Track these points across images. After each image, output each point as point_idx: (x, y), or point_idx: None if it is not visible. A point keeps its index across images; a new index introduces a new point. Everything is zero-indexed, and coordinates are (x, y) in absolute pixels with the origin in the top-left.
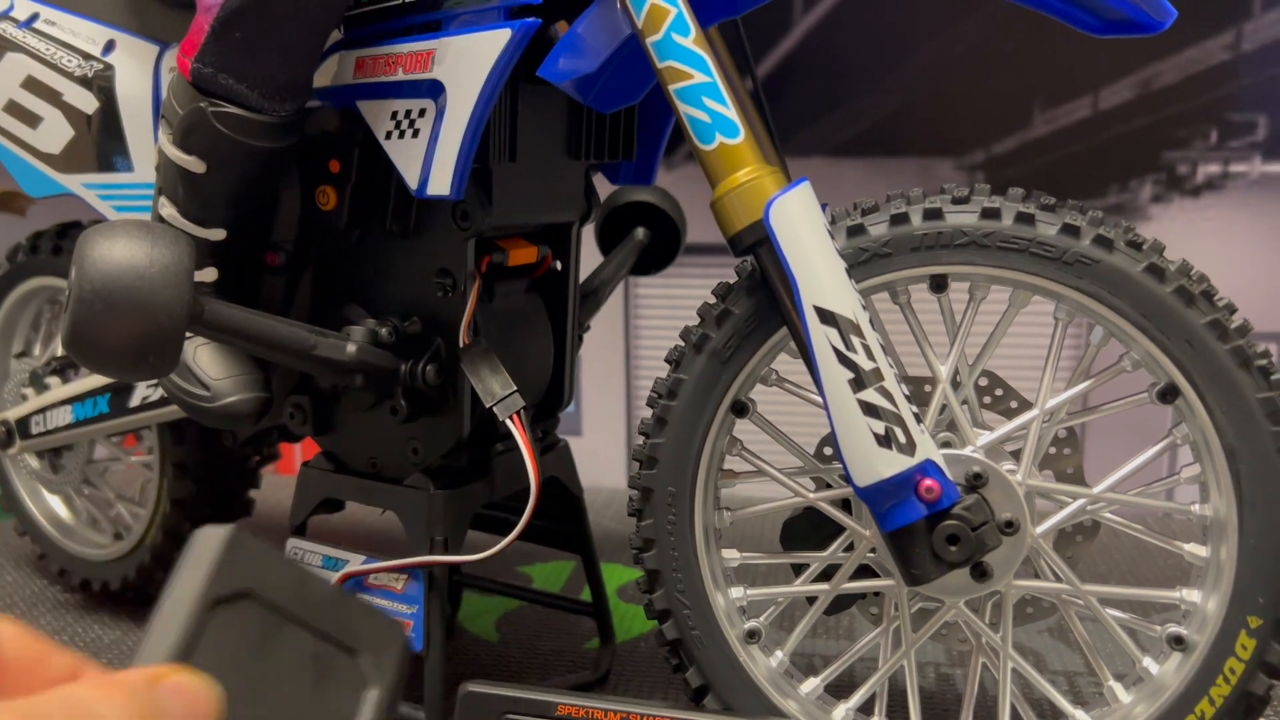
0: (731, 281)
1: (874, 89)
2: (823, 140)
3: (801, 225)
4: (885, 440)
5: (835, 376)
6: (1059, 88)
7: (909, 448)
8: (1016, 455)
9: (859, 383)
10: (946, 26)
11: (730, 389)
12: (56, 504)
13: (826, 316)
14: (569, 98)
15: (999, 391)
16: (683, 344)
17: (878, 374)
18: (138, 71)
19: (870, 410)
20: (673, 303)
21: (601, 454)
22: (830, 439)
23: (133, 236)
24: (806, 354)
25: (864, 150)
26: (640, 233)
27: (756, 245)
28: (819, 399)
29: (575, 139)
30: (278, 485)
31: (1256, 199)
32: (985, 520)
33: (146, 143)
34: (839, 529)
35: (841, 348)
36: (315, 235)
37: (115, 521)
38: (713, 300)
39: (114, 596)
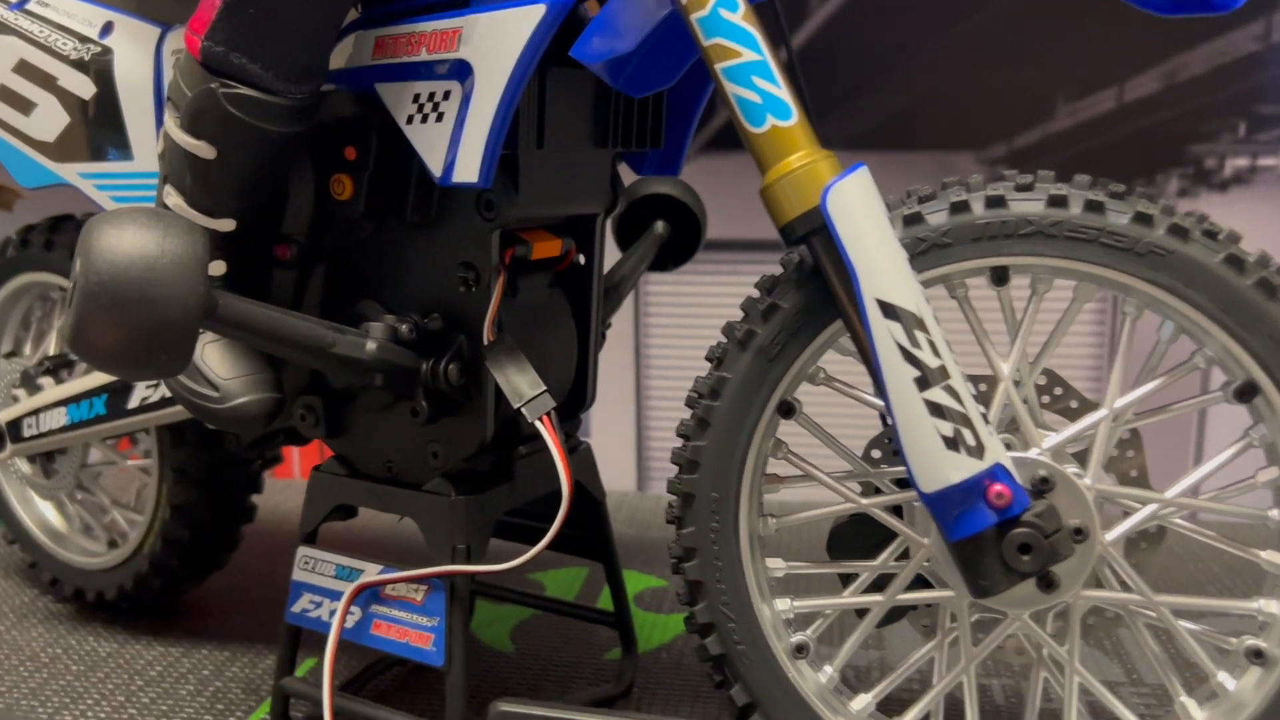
0: (775, 274)
1: (890, 81)
2: (836, 134)
3: (861, 213)
4: (953, 443)
5: (899, 375)
6: (1083, 79)
7: (978, 450)
8: (1079, 458)
9: (924, 381)
10: (966, 16)
11: (777, 388)
12: (48, 510)
13: (889, 310)
14: (597, 82)
15: (1058, 390)
16: (725, 340)
17: (944, 371)
18: (138, 54)
19: (937, 410)
20: (684, 300)
21: (610, 456)
22: (879, 441)
23: (142, 225)
24: (866, 351)
25: (880, 144)
26: (660, 226)
27: (811, 234)
28: (870, 398)
29: (603, 125)
30: (275, 489)
31: None
32: (1057, 528)
33: (147, 130)
34: (889, 536)
35: (906, 344)
36: (329, 227)
37: (110, 528)
38: (756, 294)
39: (109, 607)
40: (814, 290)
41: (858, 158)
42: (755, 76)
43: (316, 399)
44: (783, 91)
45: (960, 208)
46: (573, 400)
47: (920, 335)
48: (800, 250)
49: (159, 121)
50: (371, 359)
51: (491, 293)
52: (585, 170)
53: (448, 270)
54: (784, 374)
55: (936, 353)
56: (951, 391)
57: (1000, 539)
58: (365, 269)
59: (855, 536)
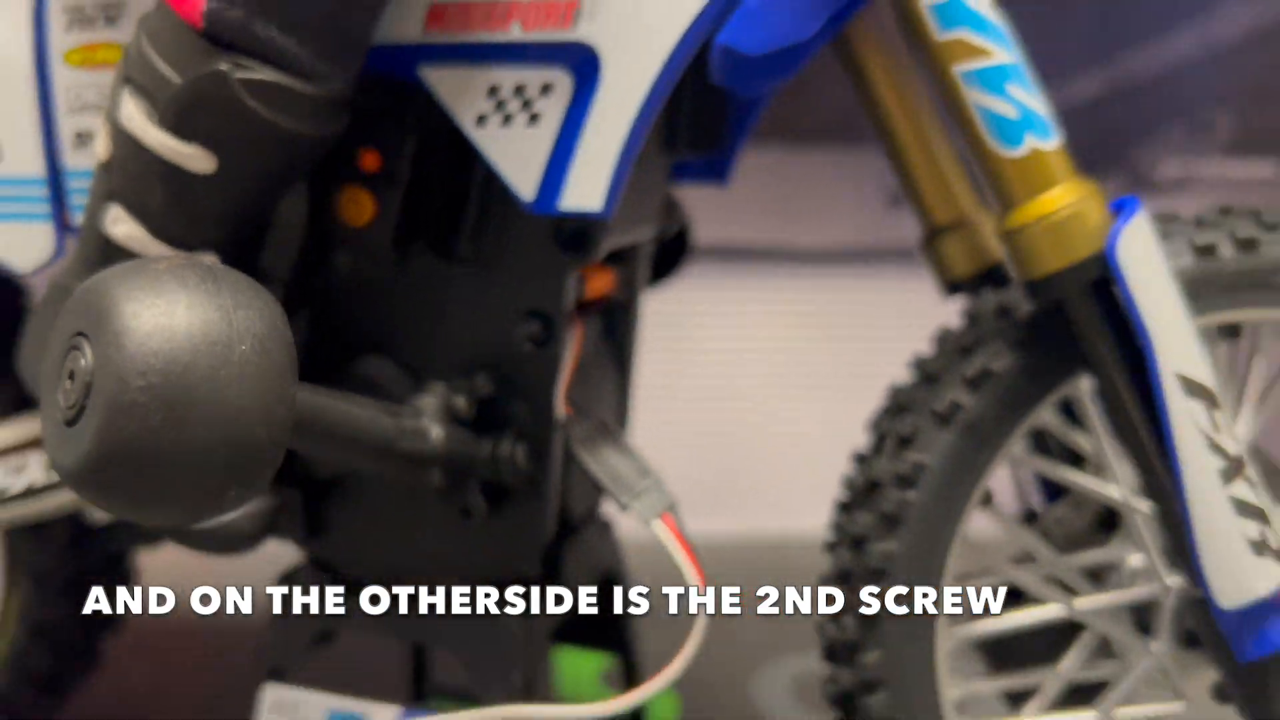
0: (957, 327)
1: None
2: (781, 124)
3: (1155, 266)
4: (1260, 547)
5: (1203, 468)
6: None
7: None
8: None
9: (1229, 473)
10: None
11: (984, 474)
12: None
13: (1194, 389)
14: None
15: None
16: (905, 413)
17: (1241, 460)
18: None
19: (1244, 509)
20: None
21: None
22: (1047, 526)
23: (196, 289)
24: (1151, 437)
25: (832, 138)
26: None
27: (1081, 290)
28: (1094, 486)
29: (672, 125)
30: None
31: (1223, 198)
32: None
33: (19, 119)
34: (1065, 638)
35: (1209, 430)
36: (323, 261)
37: None
38: (936, 354)
39: None
40: (1036, 351)
41: (807, 156)
42: (1010, 84)
43: (292, 491)
44: (1041, 103)
45: (1206, 251)
46: None
47: (1218, 417)
48: (1006, 298)
49: (44, 109)
50: (437, 450)
51: (565, 349)
52: (652, 183)
53: (506, 320)
54: (993, 457)
55: (1233, 437)
56: (1251, 484)
57: None
58: (377, 318)
59: (1023, 641)
